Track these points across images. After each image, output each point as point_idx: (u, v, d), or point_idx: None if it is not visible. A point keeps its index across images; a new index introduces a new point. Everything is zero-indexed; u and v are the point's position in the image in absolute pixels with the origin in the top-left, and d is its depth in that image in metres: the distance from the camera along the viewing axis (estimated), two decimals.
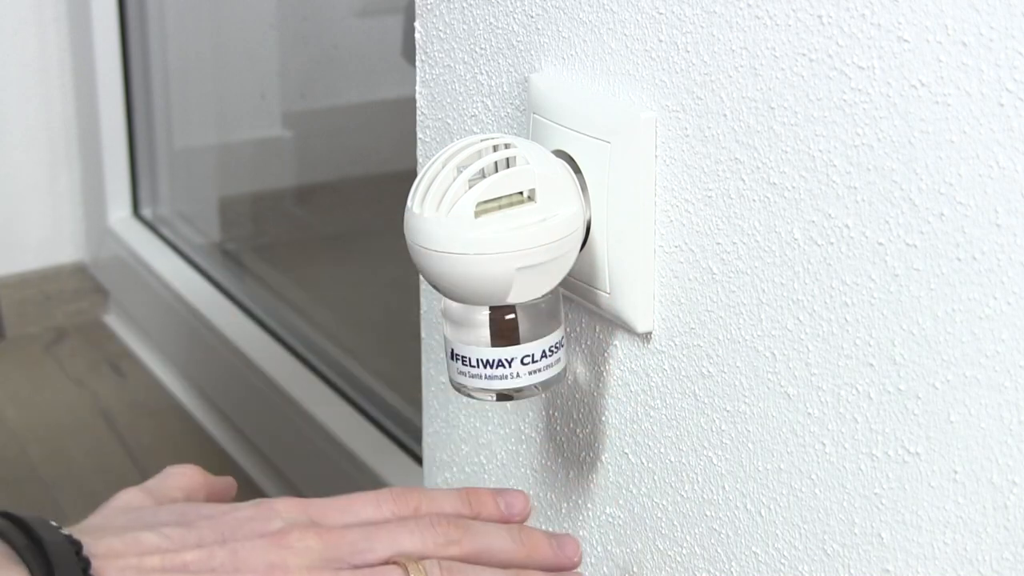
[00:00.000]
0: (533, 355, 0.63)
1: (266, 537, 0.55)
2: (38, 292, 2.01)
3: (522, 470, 0.79)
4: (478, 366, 0.63)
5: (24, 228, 2.06)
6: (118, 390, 1.76)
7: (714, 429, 0.64)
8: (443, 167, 0.61)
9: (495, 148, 0.61)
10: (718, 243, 0.61)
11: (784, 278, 0.58)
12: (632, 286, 0.65)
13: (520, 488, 0.79)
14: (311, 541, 0.55)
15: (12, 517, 0.53)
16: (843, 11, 0.53)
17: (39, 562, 0.50)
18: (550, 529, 0.77)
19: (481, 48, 0.74)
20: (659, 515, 0.69)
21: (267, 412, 1.57)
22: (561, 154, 0.66)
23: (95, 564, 0.51)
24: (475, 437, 0.82)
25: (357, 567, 0.55)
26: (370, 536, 0.56)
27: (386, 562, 0.56)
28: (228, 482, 0.65)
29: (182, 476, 0.62)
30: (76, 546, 0.51)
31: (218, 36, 1.98)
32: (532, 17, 0.69)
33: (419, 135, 0.82)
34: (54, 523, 0.53)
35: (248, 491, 1.50)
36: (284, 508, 0.57)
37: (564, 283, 0.64)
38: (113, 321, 2.02)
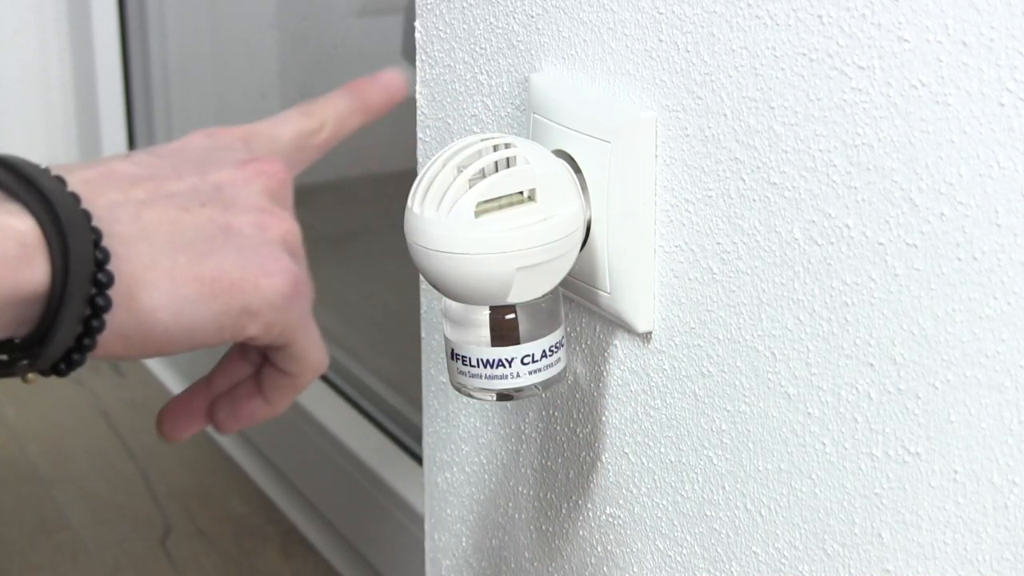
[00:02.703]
0: (533, 355, 0.63)
1: (238, 168, 0.55)
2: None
3: (522, 470, 0.79)
4: (478, 366, 0.63)
5: None
6: (118, 390, 1.76)
7: (714, 429, 0.64)
8: (443, 167, 0.61)
9: (495, 148, 0.61)
10: (718, 243, 0.61)
11: (784, 278, 0.58)
12: (632, 286, 0.65)
13: (520, 488, 0.79)
14: (278, 170, 0.56)
15: None
16: (843, 11, 0.53)
17: (34, 197, 0.48)
18: (549, 529, 0.77)
19: (481, 48, 0.74)
20: (659, 515, 0.69)
21: None
22: (561, 154, 0.66)
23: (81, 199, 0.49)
24: (475, 437, 0.82)
25: None
26: None
27: None
28: None
29: None
30: (62, 180, 0.49)
31: (218, 36, 1.98)
32: (532, 17, 0.69)
33: (419, 135, 0.82)
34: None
35: (248, 489, 1.50)
36: (227, 134, 0.58)
37: (564, 283, 0.64)
38: None
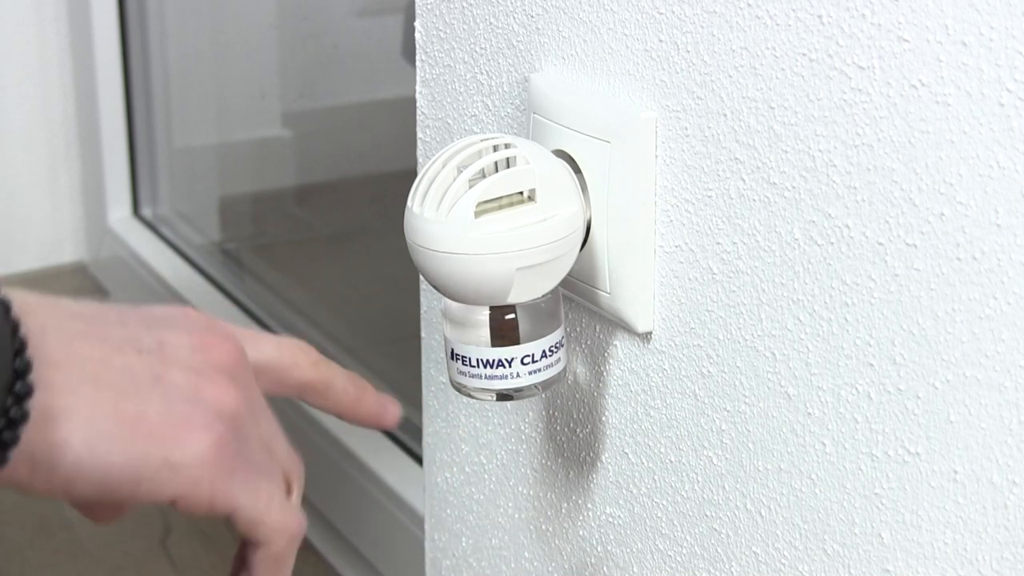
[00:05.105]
0: (533, 355, 0.63)
1: (190, 334, 0.51)
2: (38, 292, 2.00)
3: (522, 470, 0.79)
4: (478, 366, 0.63)
5: (24, 228, 2.06)
6: None
7: (714, 429, 0.64)
8: (443, 167, 0.61)
9: (495, 148, 0.61)
10: (718, 243, 0.61)
11: (784, 278, 0.58)
12: (632, 286, 0.65)
13: (520, 488, 0.79)
14: (231, 349, 0.52)
15: None
16: (843, 11, 0.53)
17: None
18: (550, 529, 0.77)
19: (481, 48, 0.74)
20: (659, 515, 0.69)
21: None
22: (561, 154, 0.66)
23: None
24: (475, 437, 0.82)
25: None
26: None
27: None
28: None
29: None
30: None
31: (218, 36, 1.98)
32: (532, 17, 0.69)
33: (419, 135, 0.82)
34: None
35: None
36: (204, 318, 0.53)
37: (564, 283, 0.64)
38: None
